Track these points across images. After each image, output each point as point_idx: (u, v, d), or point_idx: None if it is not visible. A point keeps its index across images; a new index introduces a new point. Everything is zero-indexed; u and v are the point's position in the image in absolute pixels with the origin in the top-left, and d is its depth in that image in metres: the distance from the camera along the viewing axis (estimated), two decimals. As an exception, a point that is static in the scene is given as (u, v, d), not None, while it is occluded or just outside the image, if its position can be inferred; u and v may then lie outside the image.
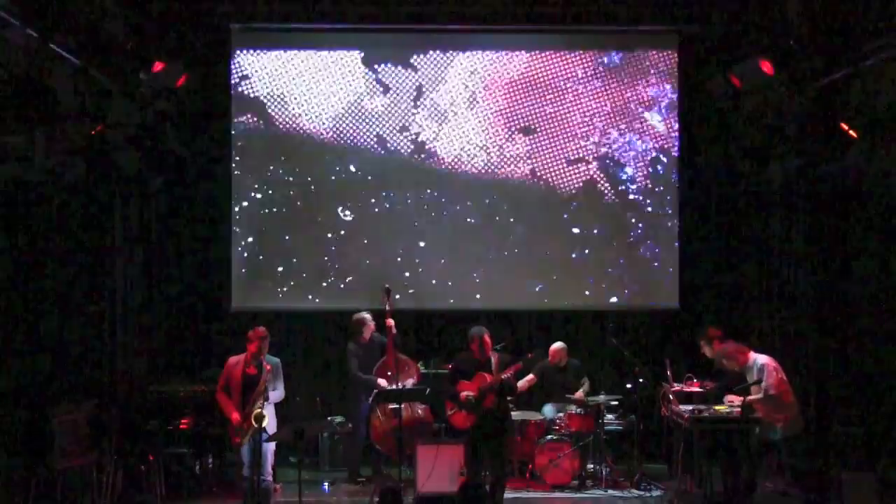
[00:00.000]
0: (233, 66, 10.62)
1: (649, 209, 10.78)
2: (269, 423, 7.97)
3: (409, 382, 9.41)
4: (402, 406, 9.03)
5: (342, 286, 10.68)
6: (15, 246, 9.06)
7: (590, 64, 10.77)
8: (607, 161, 10.79)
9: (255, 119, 10.69)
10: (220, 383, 8.28)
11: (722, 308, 10.69)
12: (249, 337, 8.20)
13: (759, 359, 8.31)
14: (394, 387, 9.20)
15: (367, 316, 9.71)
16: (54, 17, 7.87)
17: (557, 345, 9.97)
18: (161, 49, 9.34)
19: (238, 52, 10.64)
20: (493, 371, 8.12)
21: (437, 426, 9.58)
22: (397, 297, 10.16)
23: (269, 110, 10.69)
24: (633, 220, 10.77)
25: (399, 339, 9.68)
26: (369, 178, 10.72)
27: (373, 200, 10.71)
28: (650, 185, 10.79)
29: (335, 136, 10.71)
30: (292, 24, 10.60)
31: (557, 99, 10.76)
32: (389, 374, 9.43)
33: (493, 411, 8.11)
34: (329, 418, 9.95)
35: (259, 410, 7.76)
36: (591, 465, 9.51)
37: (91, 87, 8.56)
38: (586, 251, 10.75)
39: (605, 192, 10.79)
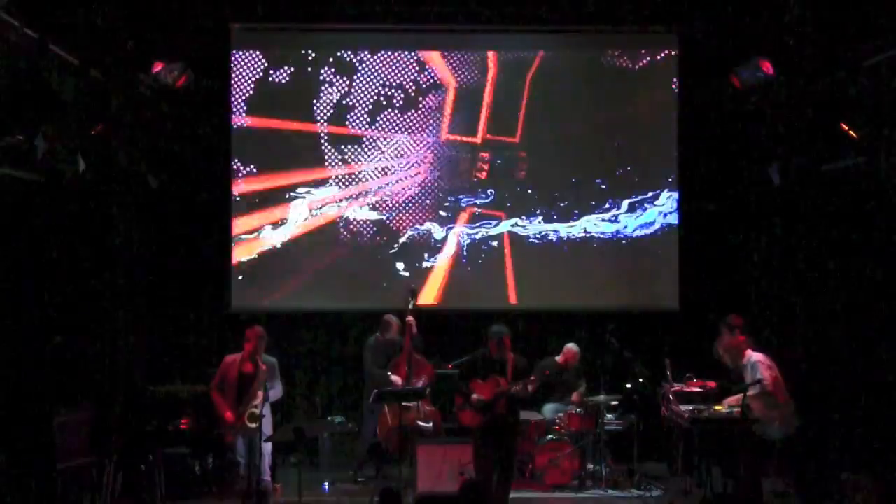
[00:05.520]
0: (233, 66, 10.61)
1: (649, 209, 10.78)
2: (266, 422, 7.97)
3: (421, 383, 9.40)
4: (412, 405, 9.10)
5: (342, 286, 10.68)
6: (14, 246, 9.06)
7: (589, 64, 10.77)
8: (607, 160, 10.79)
9: (256, 118, 10.68)
10: (214, 381, 8.29)
11: (722, 308, 10.66)
12: (247, 336, 8.22)
13: (753, 356, 8.30)
14: (400, 387, 9.21)
15: (395, 318, 9.75)
16: (54, 17, 7.88)
17: (574, 347, 9.96)
18: (161, 49, 9.34)
19: (238, 51, 10.63)
20: (508, 373, 8.07)
21: (444, 427, 9.57)
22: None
23: (270, 110, 10.68)
24: (634, 220, 10.77)
25: (420, 340, 9.69)
26: (370, 177, 10.73)
27: (372, 199, 10.72)
28: (650, 185, 10.78)
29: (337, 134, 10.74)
30: (293, 25, 10.60)
31: (556, 99, 10.75)
32: (396, 375, 9.41)
33: (504, 416, 8.09)
34: (329, 418, 9.94)
35: (254, 410, 7.76)
36: (591, 465, 9.50)
37: (91, 87, 8.56)
38: (586, 251, 10.75)
39: (605, 191, 10.78)
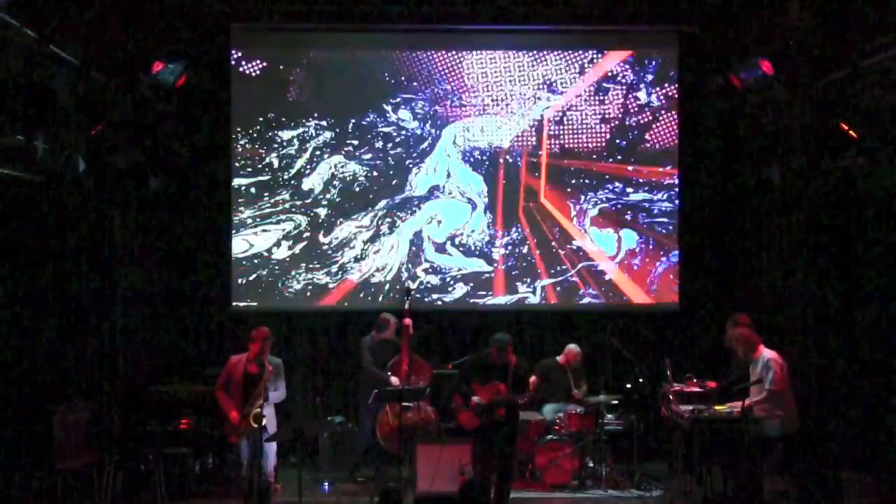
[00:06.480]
0: (232, 66, 10.61)
1: (649, 209, 10.77)
2: (270, 422, 7.97)
3: (421, 384, 9.40)
4: (412, 405, 9.11)
5: (342, 286, 10.68)
6: (15, 246, 9.07)
7: (589, 64, 10.78)
8: (606, 161, 10.79)
9: (255, 118, 10.68)
10: (220, 381, 8.28)
11: (722, 308, 10.68)
12: (252, 337, 8.21)
13: (766, 353, 8.32)
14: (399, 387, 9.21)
15: (393, 318, 9.76)
16: (54, 17, 7.88)
17: (576, 348, 9.96)
18: (161, 49, 9.34)
19: (238, 51, 10.63)
20: (508, 378, 8.09)
21: (444, 426, 9.58)
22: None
23: (269, 110, 10.68)
24: (633, 220, 10.77)
25: (415, 340, 9.70)
26: (368, 179, 10.73)
27: (371, 199, 10.72)
28: (650, 185, 10.79)
29: (336, 135, 10.73)
30: (293, 25, 10.59)
31: (557, 99, 10.75)
32: (395, 376, 9.41)
33: (503, 422, 8.11)
34: (329, 418, 9.95)
35: (258, 410, 7.76)
36: (591, 465, 9.51)
37: (91, 87, 8.56)
38: (586, 251, 10.76)
39: (605, 191, 10.78)
